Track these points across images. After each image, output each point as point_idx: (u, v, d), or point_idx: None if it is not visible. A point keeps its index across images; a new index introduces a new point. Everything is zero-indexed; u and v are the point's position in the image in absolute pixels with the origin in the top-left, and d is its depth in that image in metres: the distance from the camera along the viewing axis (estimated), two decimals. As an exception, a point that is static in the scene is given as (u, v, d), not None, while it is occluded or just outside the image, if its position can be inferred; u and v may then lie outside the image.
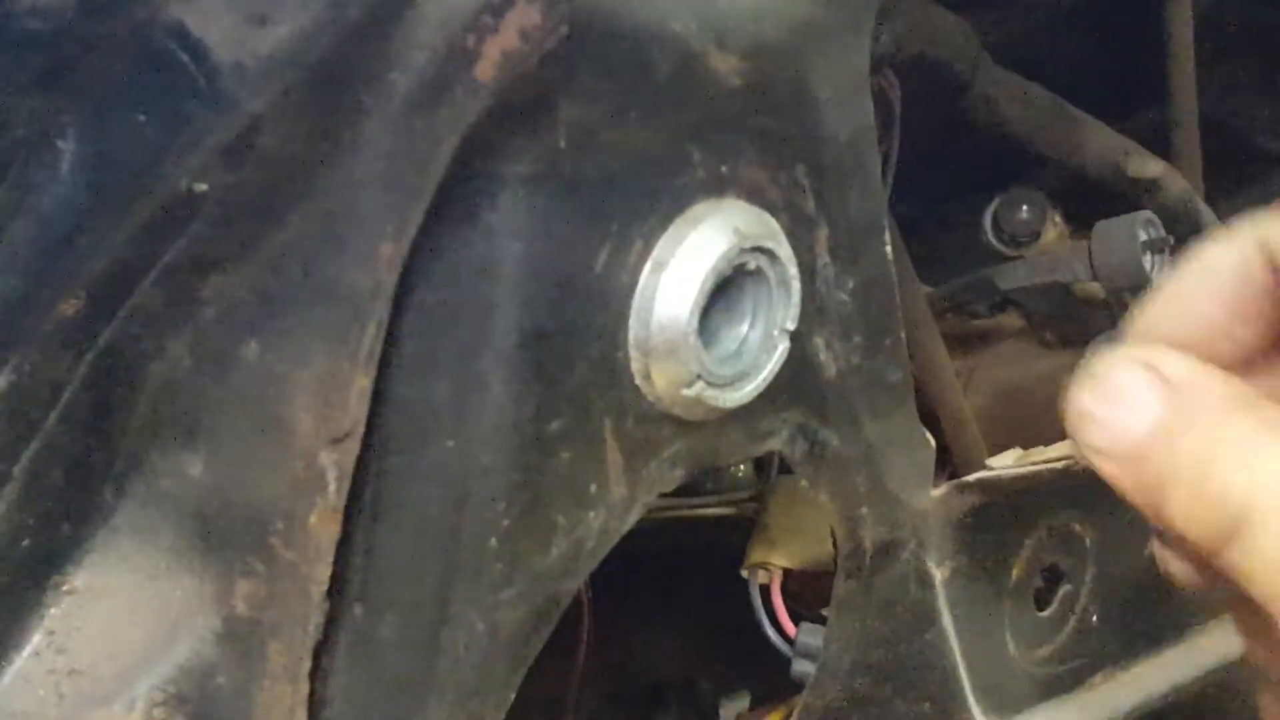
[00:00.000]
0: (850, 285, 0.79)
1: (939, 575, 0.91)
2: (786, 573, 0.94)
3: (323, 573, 0.64)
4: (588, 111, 0.64)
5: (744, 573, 0.95)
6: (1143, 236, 1.25)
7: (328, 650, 0.66)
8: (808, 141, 0.73)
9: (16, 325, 0.61)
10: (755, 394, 0.72)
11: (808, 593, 0.94)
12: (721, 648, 1.13)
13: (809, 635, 0.91)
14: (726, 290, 0.69)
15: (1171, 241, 1.27)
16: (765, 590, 0.94)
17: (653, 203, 0.67)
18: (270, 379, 0.63)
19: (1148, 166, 1.29)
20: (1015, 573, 0.99)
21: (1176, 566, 0.62)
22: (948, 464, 1.02)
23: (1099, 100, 1.30)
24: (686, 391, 0.69)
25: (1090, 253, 1.32)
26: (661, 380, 0.68)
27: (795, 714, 0.88)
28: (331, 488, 0.63)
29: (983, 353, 1.33)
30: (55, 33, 0.59)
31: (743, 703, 1.09)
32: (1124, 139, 1.30)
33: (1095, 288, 1.36)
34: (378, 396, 0.64)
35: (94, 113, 0.60)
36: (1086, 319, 1.31)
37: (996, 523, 0.97)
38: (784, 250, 0.70)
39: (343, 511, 0.64)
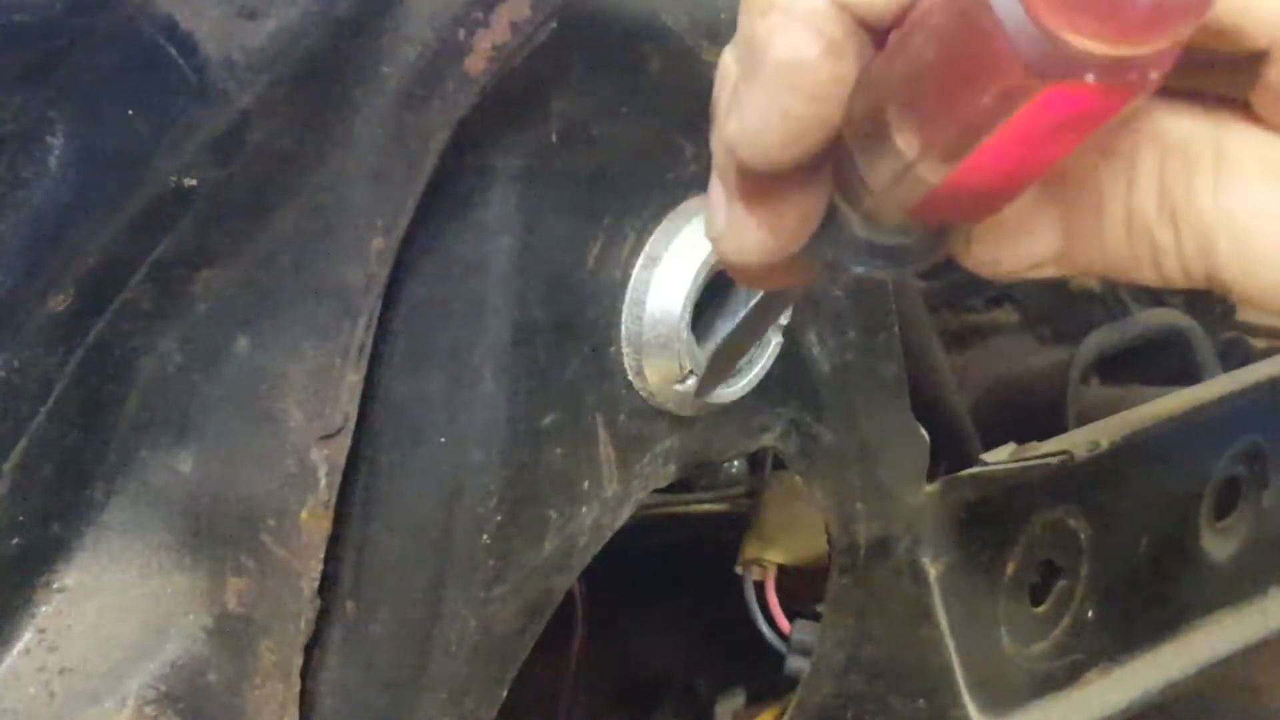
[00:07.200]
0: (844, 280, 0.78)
1: (933, 571, 0.91)
2: (781, 569, 0.94)
3: (314, 569, 0.64)
4: (579, 105, 0.64)
5: (739, 569, 0.95)
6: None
7: (319, 647, 0.66)
8: (801, 135, 0.73)
9: (5, 321, 0.61)
10: (748, 390, 0.71)
11: (802, 589, 0.93)
12: (716, 644, 1.12)
13: (803, 632, 0.91)
14: (719, 285, 0.69)
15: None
16: (760, 587, 0.94)
17: (645, 197, 0.67)
18: (261, 374, 0.63)
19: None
20: (1010, 568, 0.99)
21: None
22: (942, 459, 1.02)
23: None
24: (679, 387, 0.68)
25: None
26: (654, 376, 0.68)
27: (790, 711, 0.88)
28: (323, 484, 0.63)
29: (977, 347, 1.33)
30: (43, 26, 0.59)
31: (738, 700, 1.09)
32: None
33: (1091, 281, 1.35)
34: (369, 392, 0.63)
35: (83, 107, 0.60)
36: (1082, 313, 1.31)
37: (991, 518, 0.96)
38: (777, 245, 0.70)
39: (334, 508, 0.63)
